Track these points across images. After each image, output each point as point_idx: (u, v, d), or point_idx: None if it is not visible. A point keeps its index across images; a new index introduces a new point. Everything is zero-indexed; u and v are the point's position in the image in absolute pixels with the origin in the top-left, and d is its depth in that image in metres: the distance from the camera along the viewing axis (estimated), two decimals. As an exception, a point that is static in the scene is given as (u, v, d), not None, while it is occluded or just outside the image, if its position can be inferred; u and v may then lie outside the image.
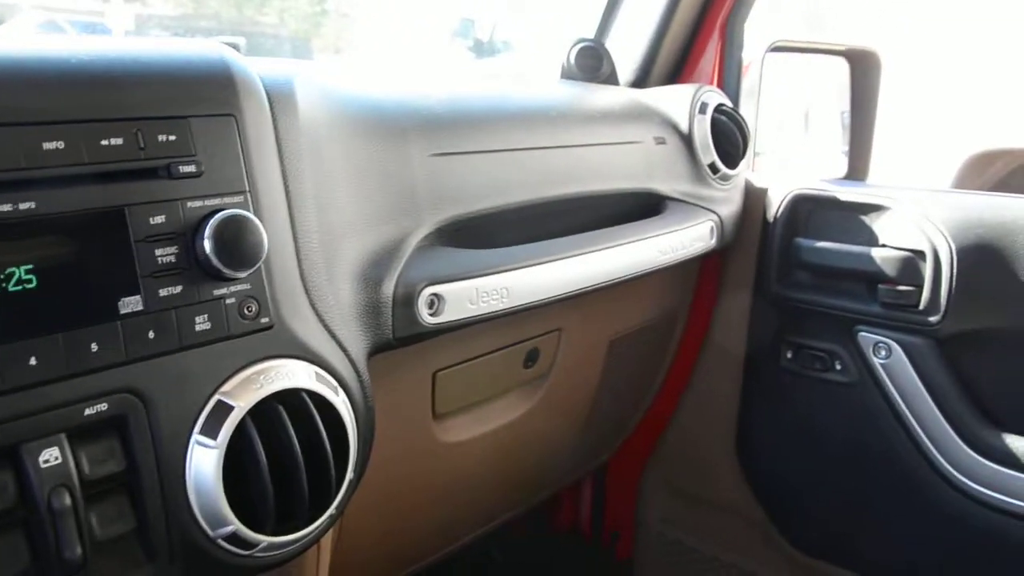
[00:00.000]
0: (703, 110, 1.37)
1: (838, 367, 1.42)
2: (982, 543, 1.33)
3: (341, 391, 0.77)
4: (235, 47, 0.80)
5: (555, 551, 1.91)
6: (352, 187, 0.86)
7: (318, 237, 0.79)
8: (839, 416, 1.44)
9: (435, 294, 0.89)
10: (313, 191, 0.80)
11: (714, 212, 1.34)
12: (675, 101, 1.38)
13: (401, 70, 1.17)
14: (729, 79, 1.55)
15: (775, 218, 1.45)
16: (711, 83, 1.54)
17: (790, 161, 2.08)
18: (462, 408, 1.18)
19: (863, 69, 1.71)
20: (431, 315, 0.89)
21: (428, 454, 1.17)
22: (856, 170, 1.70)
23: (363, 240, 0.86)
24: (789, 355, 1.47)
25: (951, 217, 1.31)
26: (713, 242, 1.33)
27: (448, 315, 0.91)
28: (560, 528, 1.91)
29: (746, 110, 1.59)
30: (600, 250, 1.08)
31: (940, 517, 1.35)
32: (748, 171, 1.53)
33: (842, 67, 1.74)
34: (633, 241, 1.14)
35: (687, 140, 1.35)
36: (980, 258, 1.28)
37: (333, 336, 0.79)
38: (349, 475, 0.77)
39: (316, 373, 0.74)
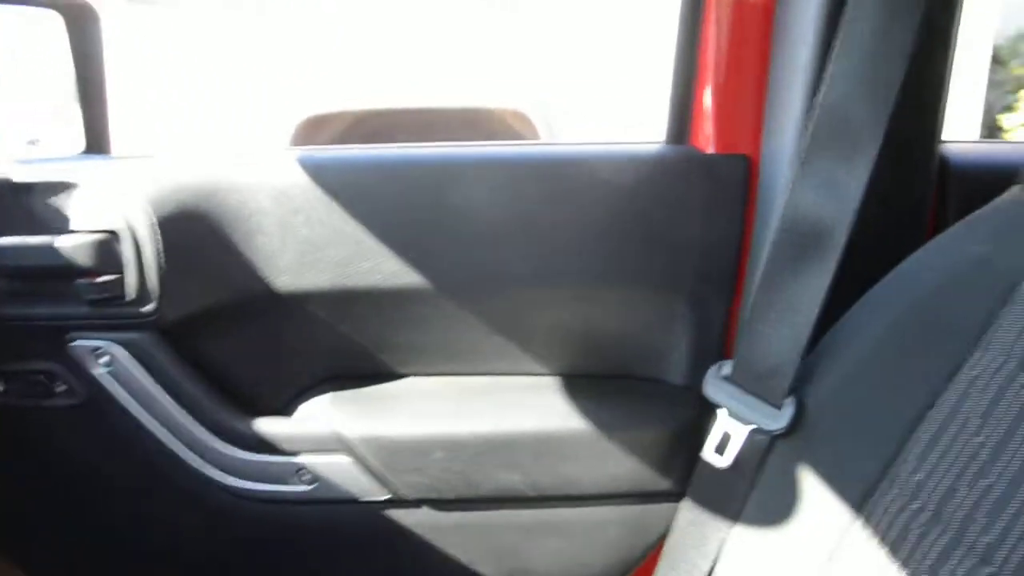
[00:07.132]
0: None
1: (60, 389, 1.15)
2: (265, 540, 1.19)
3: None
4: None
5: None
6: None
7: None
8: (80, 446, 1.18)
9: None
10: None
11: None
12: None
13: None
14: None
15: None
16: None
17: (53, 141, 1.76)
18: None
19: (80, 26, 1.42)
20: None
21: None
22: (94, 142, 1.42)
23: None
24: (2, 387, 1.16)
25: (149, 187, 1.10)
26: None
27: None
28: None
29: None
30: None
31: (224, 523, 1.18)
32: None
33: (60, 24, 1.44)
34: None
35: None
36: (187, 228, 1.10)
37: None
38: None
39: None
